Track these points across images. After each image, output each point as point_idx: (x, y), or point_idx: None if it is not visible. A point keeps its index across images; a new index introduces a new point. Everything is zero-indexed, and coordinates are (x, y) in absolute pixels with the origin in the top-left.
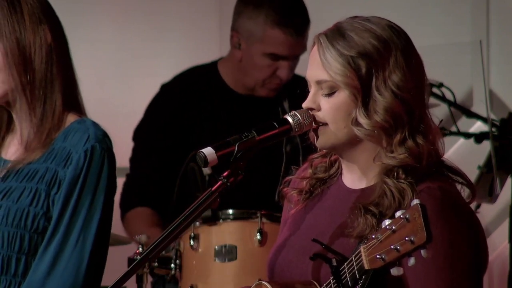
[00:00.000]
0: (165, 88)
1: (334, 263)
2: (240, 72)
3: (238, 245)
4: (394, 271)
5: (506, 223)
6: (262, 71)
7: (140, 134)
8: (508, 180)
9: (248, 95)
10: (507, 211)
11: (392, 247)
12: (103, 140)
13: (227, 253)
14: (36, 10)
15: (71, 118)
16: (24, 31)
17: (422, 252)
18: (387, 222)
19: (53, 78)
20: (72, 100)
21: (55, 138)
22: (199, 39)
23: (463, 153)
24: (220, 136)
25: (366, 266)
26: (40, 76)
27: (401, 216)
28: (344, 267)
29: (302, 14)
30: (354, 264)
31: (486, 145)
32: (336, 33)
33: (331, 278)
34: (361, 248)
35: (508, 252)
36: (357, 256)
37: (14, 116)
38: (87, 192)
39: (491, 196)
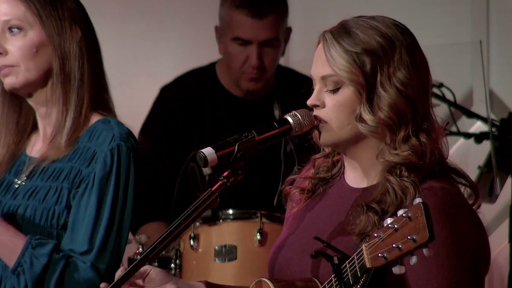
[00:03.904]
0: (163, 91)
1: (336, 261)
2: (226, 67)
3: (238, 245)
4: (396, 270)
5: (506, 223)
6: (236, 60)
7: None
8: (508, 180)
9: (242, 96)
10: (507, 211)
11: (394, 245)
12: (128, 139)
13: (227, 253)
14: (72, 10)
15: (95, 117)
16: (63, 28)
17: (424, 251)
18: (389, 220)
19: (83, 77)
20: (99, 100)
21: (80, 136)
22: (199, 39)
23: (463, 153)
24: (214, 140)
25: (368, 265)
26: (71, 73)
27: (403, 214)
28: (346, 265)
29: None
30: (356, 262)
31: (486, 145)
32: (342, 31)
33: (332, 276)
34: (363, 246)
35: (508, 252)
36: (359, 254)
37: (36, 112)
38: (120, 189)
39: (491, 196)
